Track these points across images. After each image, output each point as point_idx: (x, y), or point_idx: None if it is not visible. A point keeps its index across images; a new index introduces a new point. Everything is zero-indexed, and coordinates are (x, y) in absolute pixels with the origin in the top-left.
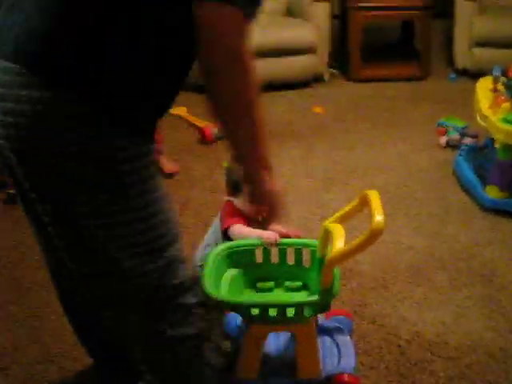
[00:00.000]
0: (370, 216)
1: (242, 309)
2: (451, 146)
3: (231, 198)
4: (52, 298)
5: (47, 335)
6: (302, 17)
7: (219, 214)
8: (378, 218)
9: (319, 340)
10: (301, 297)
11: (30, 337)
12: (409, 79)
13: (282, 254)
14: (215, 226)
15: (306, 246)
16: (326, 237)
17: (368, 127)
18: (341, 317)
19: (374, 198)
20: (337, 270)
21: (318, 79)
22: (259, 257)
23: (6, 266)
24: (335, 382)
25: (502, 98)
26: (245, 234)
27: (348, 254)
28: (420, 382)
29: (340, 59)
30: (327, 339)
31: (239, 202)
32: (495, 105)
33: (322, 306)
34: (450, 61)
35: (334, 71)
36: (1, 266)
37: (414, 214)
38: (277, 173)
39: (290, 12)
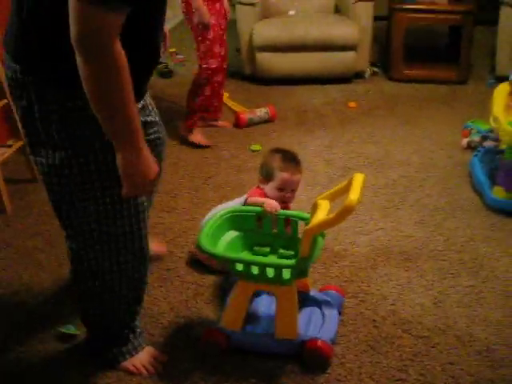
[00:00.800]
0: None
1: (228, 263)
2: (472, 147)
3: (262, 185)
4: None
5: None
6: (347, 15)
7: (245, 197)
8: (352, 197)
9: (308, 309)
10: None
11: None
12: (447, 82)
13: (281, 224)
14: (236, 202)
15: (302, 218)
16: (314, 210)
17: (395, 124)
18: (333, 292)
19: (358, 180)
20: (321, 241)
21: (358, 76)
22: (260, 224)
23: None
24: (308, 346)
25: None
26: (254, 200)
27: (322, 225)
28: (385, 354)
29: (383, 58)
30: (315, 309)
31: (268, 189)
32: (508, 107)
33: (299, 272)
34: (492, 68)
35: (376, 70)
36: None
37: (420, 207)
38: (300, 158)
39: (337, 10)
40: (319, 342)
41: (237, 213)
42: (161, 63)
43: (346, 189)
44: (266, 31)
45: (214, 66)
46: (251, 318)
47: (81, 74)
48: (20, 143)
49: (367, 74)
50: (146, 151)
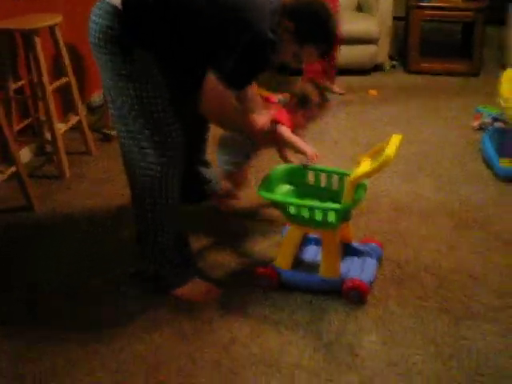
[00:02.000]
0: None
1: (282, 206)
2: (483, 129)
3: (291, 109)
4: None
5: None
6: (370, 12)
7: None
8: (388, 152)
9: (350, 257)
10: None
11: None
12: (461, 74)
13: (329, 179)
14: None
15: (347, 174)
16: (358, 165)
17: (413, 109)
18: (373, 244)
19: (394, 140)
20: (363, 191)
21: (379, 68)
22: (310, 180)
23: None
24: (348, 283)
25: None
26: (292, 138)
27: (364, 175)
28: (410, 288)
29: (401, 53)
30: (357, 258)
31: (296, 115)
32: None
33: (344, 215)
34: (503, 63)
35: (395, 63)
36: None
37: (437, 176)
38: (328, 138)
39: (360, 8)
40: (357, 281)
41: (292, 168)
42: None
43: (385, 148)
44: None
45: None
46: (299, 262)
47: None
48: (76, 119)
49: (387, 67)
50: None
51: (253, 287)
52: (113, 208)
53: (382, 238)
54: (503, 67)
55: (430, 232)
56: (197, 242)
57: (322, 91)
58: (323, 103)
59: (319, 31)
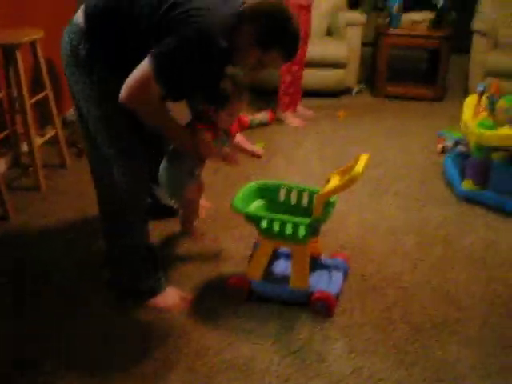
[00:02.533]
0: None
1: (255, 220)
2: (446, 151)
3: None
4: None
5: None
6: (339, 37)
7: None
8: (357, 169)
9: (318, 271)
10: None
11: None
12: (426, 99)
13: (299, 196)
14: None
15: (316, 192)
16: (327, 182)
17: (379, 132)
18: (339, 259)
19: (362, 158)
20: (331, 207)
21: (347, 92)
22: (282, 196)
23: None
24: (316, 295)
25: (482, 108)
26: (208, 144)
27: (333, 191)
28: (374, 300)
29: (369, 78)
30: (324, 272)
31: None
32: (476, 114)
33: (313, 229)
34: (465, 89)
35: (362, 87)
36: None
37: (400, 196)
38: (297, 157)
39: (330, 33)
40: (325, 293)
41: (263, 185)
42: None
43: (353, 166)
44: None
45: None
46: (269, 274)
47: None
48: (53, 132)
49: (355, 91)
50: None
51: (224, 298)
52: (88, 220)
53: (348, 252)
54: (466, 93)
55: (393, 248)
56: (168, 253)
57: (237, 85)
58: (240, 96)
59: (281, 34)
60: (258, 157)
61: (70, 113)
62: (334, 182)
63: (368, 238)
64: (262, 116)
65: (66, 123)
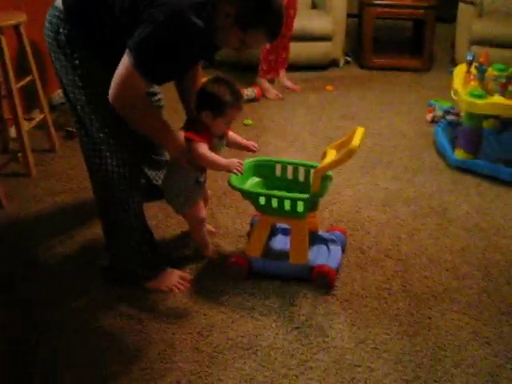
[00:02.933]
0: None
1: (253, 196)
2: (436, 121)
3: (208, 120)
4: None
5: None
6: (324, 9)
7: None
8: (354, 142)
9: (317, 245)
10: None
11: None
12: (413, 70)
13: (295, 171)
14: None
15: (313, 166)
16: (323, 157)
17: (369, 104)
18: (337, 232)
19: (359, 132)
20: (329, 182)
21: (333, 64)
22: (278, 172)
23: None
24: (316, 269)
25: (472, 77)
26: (212, 161)
27: (330, 165)
28: (372, 271)
29: (355, 49)
30: (323, 246)
31: (215, 125)
32: (466, 83)
33: (311, 204)
34: (452, 58)
35: (349, 59)
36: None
37: (393, 167)
38: (288, 132)
39: (315, 5)
40: (325, 267)
41: (259, 162)
42: None
43: (349, 140)
44: None
45: None
46: (269, 251)
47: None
48: (41, 116)
49: (341, 63)
50: (176, 142)
51: (224, 276)
52: (82, 204)
53: (345, 226)
54: (453, 63)
55: (389, 219)
56: (164, 234)
57: (234, 93)
58: (237, 104)
59: (263, 13)
60: (253, 151)
61: (57, 95)
62: (331, 156)
63: (363, 210)
64: (250, 92)
65: (52, 106)
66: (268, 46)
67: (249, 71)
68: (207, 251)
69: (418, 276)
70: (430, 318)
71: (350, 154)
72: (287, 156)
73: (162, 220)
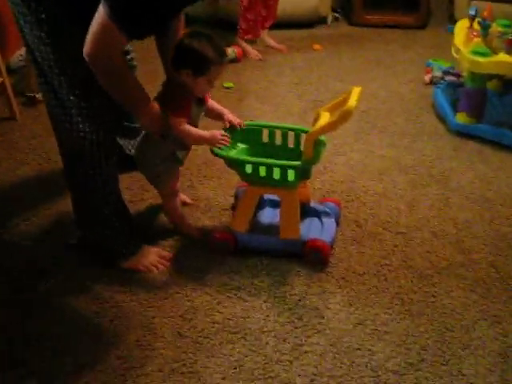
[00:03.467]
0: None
1: (238, 165)
2: (435, 83)
3: (188, 79)
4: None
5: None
6: None
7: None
8: (350, 103)
9: (309, 218)
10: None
11: None
12: (407, 27)
13: (284, 136)
14: None
15: (303, 131)
16: (315, 120)
17: (360, 64)
18: (331, 203)
19: (355, 91)
20: (322, 147)
21: (321, 21)
22: (265, 138)
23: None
24: (310, 244)
25: (475, 33)
26: (193, 135)
27: (324, 128)
28: (370, 246)
29: (344, 5)
30: (315, 219)
31: (196, 84)
32: (468, 40)
33: (303, 172)
34: (451, 15)
35: (338, 15)
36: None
37: (389, 132)
38: (273, 96)
39: None
40: (319, 242)
41: (245, 126)
42: None
43: (345, 101)
44: None
45: None
46: (256, 225)
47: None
48: None
49: (329, 20)
50: (150, 111)
51: (208, 253)
52: (46, 176)
53: (338, 197)
54: (451, 19)
55: (386, 189)
56: (139, 209)
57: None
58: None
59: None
60: (238, 125)
61: (16, 58)
62: (324, 119)
63: (357, 179)
64: (230, 52)
65: (11, 70)
66: (245, 2)
67: (227, 29)
68: (185, 227)
69: (419, 250)
70: (434, 296)
71: (346, 115)
72: (273, 121)
73: (137, 193)
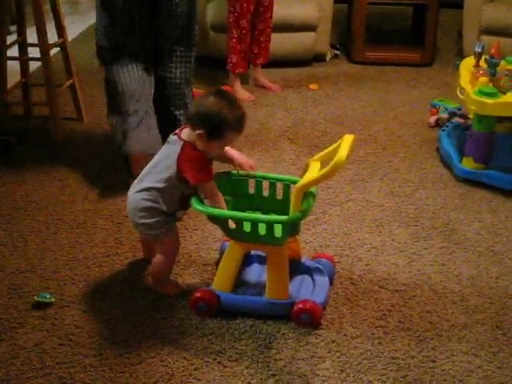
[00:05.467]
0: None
1: (221, 220)
2: (440, 125)
3: (201, 140)
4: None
5: (31, 252)
6: None
7: (175, 154)
8: (341, 153)
9: (299, 276)
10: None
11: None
12: (412, 65)
13: (272, 188)
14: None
15: (292, 181)
16: (305, 171)
17: (360, 105)
18: (324, 260)
19: (347, 140)
20: (312, 200)
21: (319, 59)
22: (251, 189)
23: None
24: (298, 305)
25: (481, 72)
26: (219, 200)
27: (313, 182)
28: (364, 306)
29: (344, 41)
30: (306, 277)
31: (207, 146)
32: (474, 79)
33: (291, 228)
34: (459, 50)
35: (337, 52)
36: None
37: (389, 180)
38: (264, 140)
39: None
40: (309, 303)
41: (227, 177)
42: None
43: (335, 150)
44: (221, 10)
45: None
46: (241, 283)
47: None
48: None
49: (328, 57)
50: None
51: (188, 313)
52: (16, 227)
53: (332, 252)
54: (460, 56)
55: (384, 243)
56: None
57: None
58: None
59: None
60: (250, 169)
61: None
62: (314, 169)
63: (353, 232)
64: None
65: None
66: (235, 34)
67: (218, 67)
68: (170, 288)
69: (418, 310)
70: (433, 361)
71: (337, 167)
72: (262, 168)
73: (112, 246)
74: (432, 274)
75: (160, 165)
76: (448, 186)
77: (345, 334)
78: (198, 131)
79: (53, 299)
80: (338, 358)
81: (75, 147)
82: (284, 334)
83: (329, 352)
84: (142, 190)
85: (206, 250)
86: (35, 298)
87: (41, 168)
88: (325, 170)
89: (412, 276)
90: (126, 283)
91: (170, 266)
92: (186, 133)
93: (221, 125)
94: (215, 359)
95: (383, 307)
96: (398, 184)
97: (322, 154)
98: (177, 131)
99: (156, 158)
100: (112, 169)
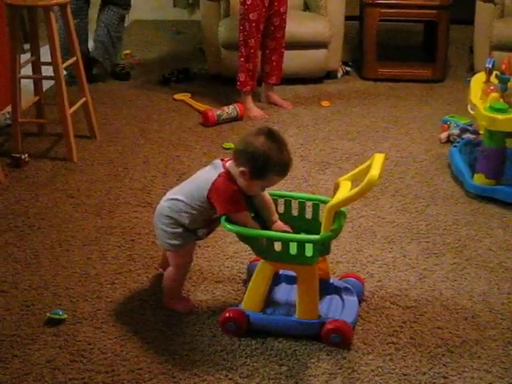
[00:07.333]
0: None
1: (251, 239)
2: (452, 141)
3: (243, 177)
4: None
5: (44, 269)
6: (318, 11)
7: (211, 180)
8: (373, 172)
9: (329, 296)
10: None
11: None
12: (424, 81)
13: (302, 207)
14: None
15: (322, 201)
16: (335, 190)
17: (372, 122)
18: (353, 279)
19: (378, 158)
20: (342, 219)
21: (331, 76)
22: (280, 208)
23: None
24: (328, 327)
25: (492, 88)
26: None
27: (344, 201)
28: (375, 322)
29: (355, 58)
30: (335, 297)
31: (249, 184)
32: (485, 94)
33: (322, 247)
34: (470, 66)
35: (349, 69)
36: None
37: (401, 196)
38: None
39: (307, 7)
40: (340, 323)
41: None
42: (118, 65)
43: (367, 169)
44: (232, 28)
45: (247, 30)
46: (271, 303)
47: None
48: None
49: (339, 74)
50: None
51: (199, 330)
52: (29, 244)
53: (343, 268)
54: (471, 72)
55: (395, 260)
56: (134, 280)
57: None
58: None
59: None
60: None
61: (1, 116)
62: (345, 189)
63: (364, 248)
64: (230, 110)
65: None
66: (244, 52)
67: (229, 85)
68: (181, 305)
69: (430, 327)
70: (445, 378)
71: (369, 186)
72: (275, 186)
73: (125, 263)
74: (443, 290)
75: (196, 182)
76: (459, 201)
77: (356, 351)
78: (241, 168)
79: (65, 316)
80: (349, 374)
81: (88, 165)
82: (295, 350)
83: (340, 368)
84: (172, 199)
85: (217, 266)
86: (48, 314)
87: (54, 185)
88: (357, 189)
89: (423, 292)
90: (138, 300)
91: (181, 281)
92: (231, 164)
93: (266, 167)
94: (226, 376)
95: (394, 323)
96: (410, 200)
97: (352, 173)
98: (226, 158)
99: (198, 173)
100: (124, 186)
